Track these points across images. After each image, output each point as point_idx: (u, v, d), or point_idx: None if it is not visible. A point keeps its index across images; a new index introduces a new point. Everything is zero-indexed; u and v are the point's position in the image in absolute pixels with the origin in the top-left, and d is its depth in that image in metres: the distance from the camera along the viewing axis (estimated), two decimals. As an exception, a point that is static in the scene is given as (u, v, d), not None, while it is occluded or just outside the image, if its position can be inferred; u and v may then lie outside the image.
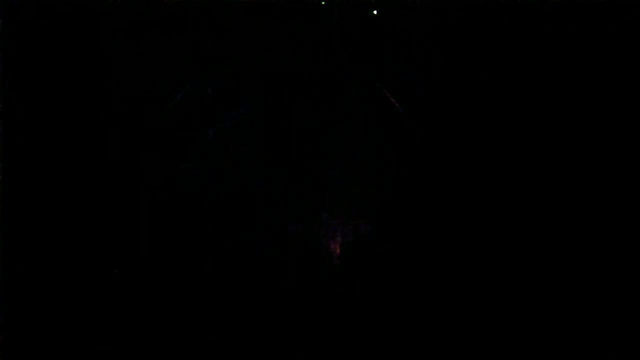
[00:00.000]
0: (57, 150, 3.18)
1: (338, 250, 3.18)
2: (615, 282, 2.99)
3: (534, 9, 3.25)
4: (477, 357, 2.94)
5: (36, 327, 2.95)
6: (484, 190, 3.21)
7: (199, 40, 3.36)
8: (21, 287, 3.01)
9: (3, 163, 3.09)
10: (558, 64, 3.26)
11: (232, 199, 3.30)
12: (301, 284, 3.10)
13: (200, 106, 3.29)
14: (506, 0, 3.19)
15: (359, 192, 3.30)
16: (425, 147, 3.27)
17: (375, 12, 3.06)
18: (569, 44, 3.26)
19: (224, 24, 3.42)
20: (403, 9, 3.28)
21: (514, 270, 3.06)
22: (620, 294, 2.97)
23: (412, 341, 2.98)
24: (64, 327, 2.97)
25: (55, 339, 2.94)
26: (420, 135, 3.26)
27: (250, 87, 3.42)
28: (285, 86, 3.39)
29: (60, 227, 3.11)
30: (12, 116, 3.15)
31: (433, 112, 3.26)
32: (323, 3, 3.09)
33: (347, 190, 3.31)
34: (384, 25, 3.31)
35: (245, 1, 3.39)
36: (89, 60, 3.26)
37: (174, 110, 3.28)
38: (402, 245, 3.16)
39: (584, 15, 3.16)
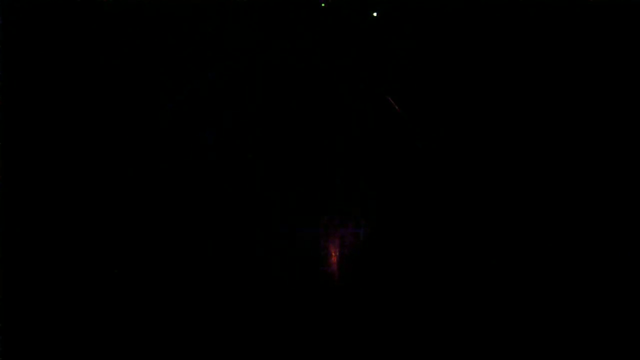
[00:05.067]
0: (57, 150, 3.19)
1: (338, 252, 3.18)
2: (614, 282, 2.99)
3: (525, 16, 3.25)
4: (478, 357, 2.93)
5: (36, 327, 2.96)
6: (482, 193, 3.21)
7: (201, 41, 3.37)
8: (21, 287, 3.01)
9: (3, 163, 3.09)
10: (554, 67, 3.26)
11: (232, 201, 3.30)
12: (301, 285, 3.10)
13: (200, 107, 3.29)
14: (503, 6, 3.19)
15: (359, 195, 3.30)
16: (427, 152, 3.26)
17: (375, 14, 3.06)
18: (568, 47, 3.26)
19: (229, 25, 3.42)
20: (404, 19, 3.28)
21: (513, 271, 3.06)
22: (619, 293, 2.97)
23: (413, 340, 2.98)
24: (63, 327, 2.98)
25: (55, 339, 2.95)
26: (422, 140, 3.25)
27: (253, 90, 3.42)
28: (289, 92, 3.39)
29: (60, 227, 3.11)
30: (11, 116, 3.15)
31: (436, 118, 3.26)
32: (323, 5, 3.10)
33: (347, 194, 3.32)
34: (386, 34, 3.30)
35: (252, 4, 3.39)
36: (88, 60, 3.26)
37: (173, 111, 3.28)
38: (401, 247, 3.16)
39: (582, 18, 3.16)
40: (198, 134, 3.21)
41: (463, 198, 3.22)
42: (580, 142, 3.14)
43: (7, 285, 2.99)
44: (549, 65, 3.24)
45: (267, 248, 3.19)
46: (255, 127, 3.33)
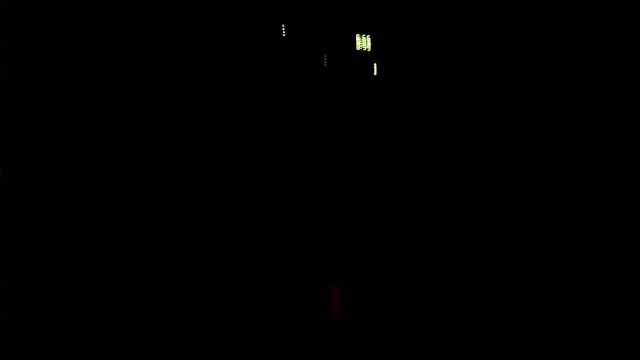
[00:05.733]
0: (56, 150, 3.19)
1: (334, 261, 3.19)
2: (614, 282, 2.99)
3: (525, 16, 3.24)
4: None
5: (35, 326, 2.96)
6: (484, 194, 3.21)
7: (201, 41, 3.37)
8: (21, 287, 3.01)
9: (3, 163, 3.10)
10: (555, 67, 3.25)
11: (230, 202, 3.30)
12: (297, 291, 3.10)
13: (200, 106, 3.29)
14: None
15: (359, 195, 3.31)
16: (427, 152, 3.26)
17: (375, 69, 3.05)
18: (569, 47, 3.25)
19: (229, 25, 3.43)
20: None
21: (515, 276, 3.06)
22: (619, 293, 2.96)
23: (409, 343, 2.98)
24: (63, 327, 2.98)
25: (53, 338, 2.95)
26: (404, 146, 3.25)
27: (253, 90, 3.43)
28: (289, 92, 3.39)
29: (59, 227, 3.12)
30: (11, 116, 3.16)
31: (436, 118, 3.26)
32: (325, 64, 3.11)
33: (347, 194, 3.32)
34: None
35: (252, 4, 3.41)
36: (88, 60, 3.27)
37: (173, 111, 3.29)
38: (402, 247, 3.16)
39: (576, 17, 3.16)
40: (197, 134, 3.21)
41: (464, 199, 3.22)
42: (581, 143, 3.14)
43: (7, 285, 2.99)
44: (550, 66, 3.24)
45: (264, 250, 3.19)
46: (255, 127, 3.33)
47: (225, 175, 3.17)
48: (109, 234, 3.13)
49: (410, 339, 2.98)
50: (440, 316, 3.06)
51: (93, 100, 3.23)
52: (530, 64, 3.12)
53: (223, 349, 2.92)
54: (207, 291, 3.11)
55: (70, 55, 3.24)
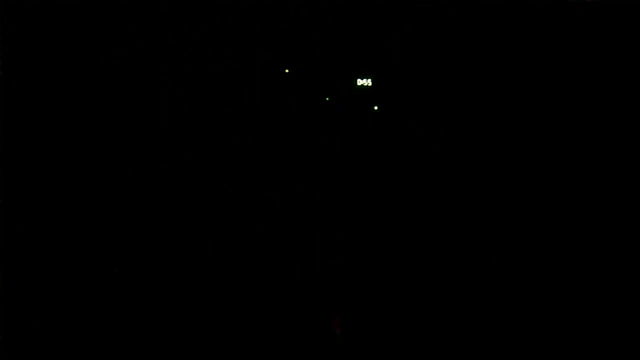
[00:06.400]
0: (56, 150, 3.19)
1: (334, 261, 3.18)
2: (613, 282, 2.99)
3: (525, 16, 3.24)
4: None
5: (36, 326, 2.96)
6: (484, 195, 3.20)
7: (201, 41, 3.36)
8: (21, 287, 3.01)
9: (3, 163, 3.09)
10: (554, 68, 3.25)
11: (229, 202, 3.29)
12: (297, 289, 3.10)
13: (200, 106, 3.29)
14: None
15: (351, 199, 3.30)
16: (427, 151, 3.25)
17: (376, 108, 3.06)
18: (569, 47, 3.25)
19: (229, 25, 3.42)
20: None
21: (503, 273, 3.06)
22: (619, 293, 2.97)
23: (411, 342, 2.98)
24: (63, 327, 2.98)
25: (54, 338, 2.95)
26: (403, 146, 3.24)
27: (253, 90, 3.42)
28: (288, 92, 3.38)
29: (60, 227, 3.12)
30: (11, 116, 3.15)
31: (436, 118, 3.25)
32: (327, 99, 3.14)
33: (339, 199, 3.31)
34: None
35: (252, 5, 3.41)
36: (88, 60, 3.26)
37: (173, 111, 3.28)
38: (394, 248, 3.16)
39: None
40: (197, 134, 3.21)
41: (464, 199, 3.22)
42: (581, 143, 3.15)
43: (7, 285, 2.99)
44: (550, 67, 3.24)
45: (264, 250, 3.19)
46: (255, 127, 3.32)
47: (225, 175, 3.16)
48: (109, 234, 3.12)
49: (413, 342, 2.97)
50: (445, 319, 3.05)
51: (93, 100, 3.23)
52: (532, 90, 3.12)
53: (222, 350, 2.92)
54: (207, 291, 3.11)
55: (70, 55, 3.23)
